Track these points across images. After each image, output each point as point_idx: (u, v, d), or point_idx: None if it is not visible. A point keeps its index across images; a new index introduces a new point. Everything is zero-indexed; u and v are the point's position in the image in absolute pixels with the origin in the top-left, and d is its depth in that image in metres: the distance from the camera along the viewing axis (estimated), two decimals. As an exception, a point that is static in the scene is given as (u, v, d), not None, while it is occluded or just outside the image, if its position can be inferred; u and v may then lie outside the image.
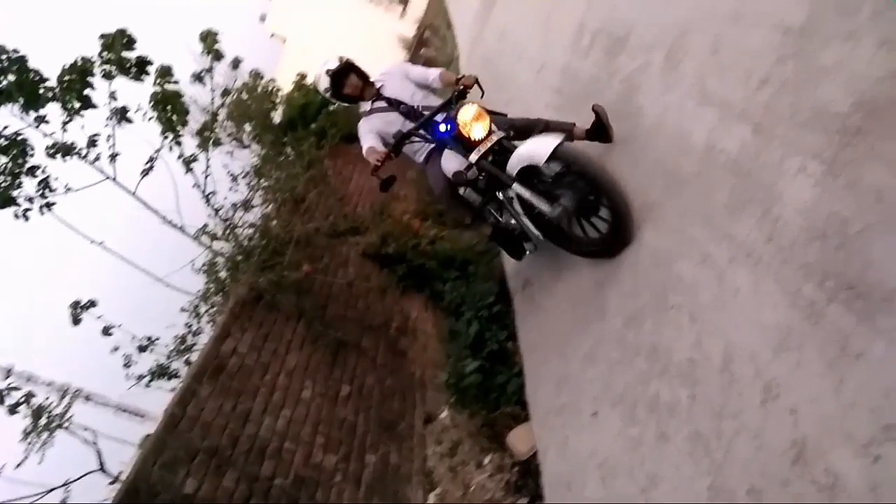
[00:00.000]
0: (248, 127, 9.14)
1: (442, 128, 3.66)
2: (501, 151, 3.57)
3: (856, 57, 2.15)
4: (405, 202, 8.82)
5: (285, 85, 11.50)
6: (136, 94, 5.27)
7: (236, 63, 7.62)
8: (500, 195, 3.85)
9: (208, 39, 5.78)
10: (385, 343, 5.73)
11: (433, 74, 4.24)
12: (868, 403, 1.71)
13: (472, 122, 3.52)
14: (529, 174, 3.52)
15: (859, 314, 1.80)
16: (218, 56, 5.87)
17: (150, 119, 5.28)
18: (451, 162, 3.85)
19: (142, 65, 5.09)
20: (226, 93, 6.83)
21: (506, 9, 8.88)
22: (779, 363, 2.05)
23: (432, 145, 4.01)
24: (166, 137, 5.34)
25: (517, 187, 3.50)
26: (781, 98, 2.48)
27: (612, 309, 3.27)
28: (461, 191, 4.10)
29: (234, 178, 6.81)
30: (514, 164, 3.46)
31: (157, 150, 5.32)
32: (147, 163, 5.25)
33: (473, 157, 3.52)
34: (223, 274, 5.98)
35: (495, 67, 8.09)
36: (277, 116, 10.04)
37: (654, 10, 3.83)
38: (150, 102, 5.23)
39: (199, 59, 5.94)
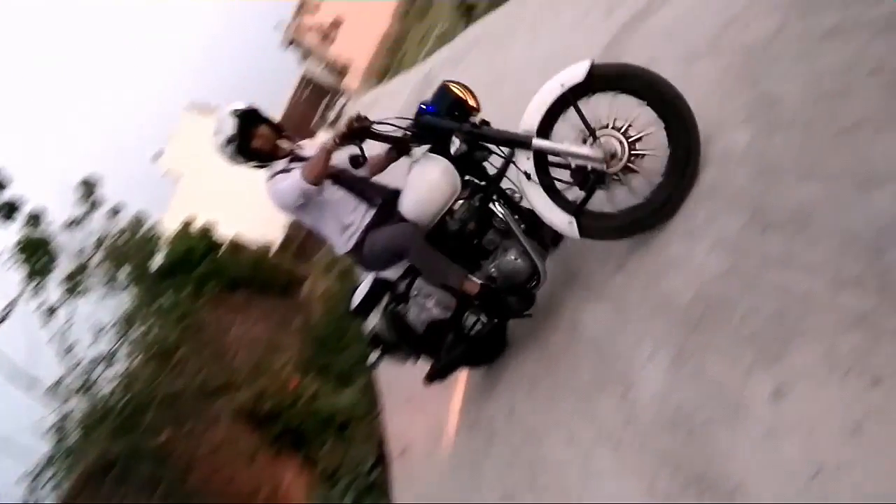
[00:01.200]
0: (122, 273, 8.78)
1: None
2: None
3: (695, 253, 2.35)
4: (287, 351, 8.55)
5: (173, 224, 11.33)
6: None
7: (116, 211, 7.44)
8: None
9: (86, 188, 5.64)
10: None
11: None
12: None
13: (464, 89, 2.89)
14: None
15: (709, 509, 1.82)
16: (95, 205, 5.72)
17: (11, 265, 4.96)
18: (431, 170, 2.91)
19: (11, 208, 4.85)
20: (100, 242, 6.59)
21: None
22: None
23: (372, 210, 3.11)
24: (29, 284, 5.00)
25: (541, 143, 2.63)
26: (634, 282, 2.65)
27: (488, 483, 3.19)
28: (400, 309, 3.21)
29: (100, 329, 6.40)
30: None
31: (16, 298, 4.94)
32: (4, 310, 4.86)
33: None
34: (74, 437, 5.42)
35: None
36: (157, 262, 9.77)
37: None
38: (15, 247, 4.95)
39: (77, 206, 5.77)
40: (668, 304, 2.36)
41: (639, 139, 2.55)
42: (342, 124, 2.89)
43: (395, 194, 3.11)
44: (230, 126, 3.09)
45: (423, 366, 3.41)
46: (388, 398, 5.65)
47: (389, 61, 24.55)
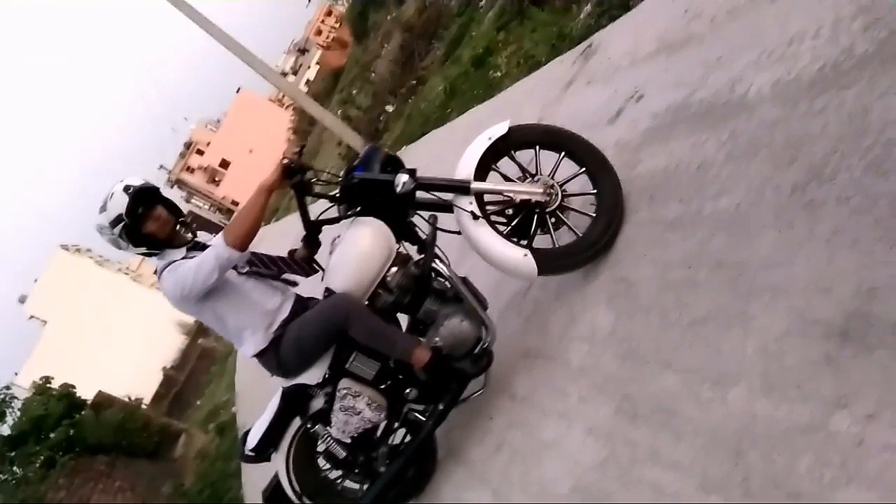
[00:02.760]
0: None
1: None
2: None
3: (570, 438, 2.31)
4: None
5: (34, 375, 10.31)
6: None
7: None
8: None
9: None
10: None
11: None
12: None
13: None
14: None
15: None
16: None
17: None
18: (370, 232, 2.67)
19: None
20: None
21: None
22: None
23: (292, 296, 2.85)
24: None
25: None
26: (514, 466, 2.57)
27: None
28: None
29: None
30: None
31: None
32: None
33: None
34: None
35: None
36: (6, 428, 8.72)
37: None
38: None
39: None
40: (547, 493, 2.27)
41: (566, 182, 2.74)
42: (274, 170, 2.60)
43: (305, 300, 2.86)
44: (120, 204, 2.59)
45: None
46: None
47: (278, 202, 24.67)
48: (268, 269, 2.79)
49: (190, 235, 2.84)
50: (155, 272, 2.78)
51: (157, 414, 13.57)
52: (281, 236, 22.17)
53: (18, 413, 8.95)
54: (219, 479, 8.17)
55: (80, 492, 8.11)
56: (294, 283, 2.88)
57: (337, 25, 44.68)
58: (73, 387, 10.24)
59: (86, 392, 11.54)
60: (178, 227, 2.78)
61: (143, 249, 2.71)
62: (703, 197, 2.28)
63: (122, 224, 2.61)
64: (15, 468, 8.26)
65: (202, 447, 11.03)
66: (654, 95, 3.02)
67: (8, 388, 8.93)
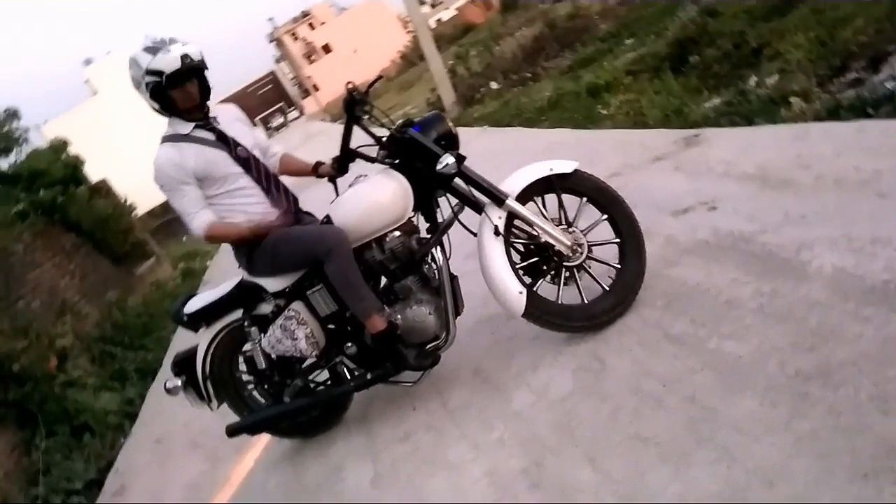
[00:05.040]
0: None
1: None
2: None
3: (469, 470, 2.29)
4: (82, 321, 7.79)
5: (56, 132, 10.46)
6: None
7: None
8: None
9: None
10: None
11: (275, 148, 3.04)
12: None
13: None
14: None
15: None
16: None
17: None
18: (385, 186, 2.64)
19: None
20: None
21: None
22: None
23: (276, 210, 2.79)
24: None
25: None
26: (408, 463, 2.55)
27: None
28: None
29: None
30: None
31: None
32: None
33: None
34: None
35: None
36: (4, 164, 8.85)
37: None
38: None
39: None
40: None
41: (595, 244, 2.69)
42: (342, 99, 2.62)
43: (302, 213, 2.86)
44: (168, 65, 2.52)
45: (219, 417, 3.07)
46: (147, 426, 5.16)
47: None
48: (261, 182, 2.77)
49: (203, 115, 2.75)
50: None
51: (142, 228, 13.72)
52: (321, 135, 22.29)
53: (23, 157, 9.08)
54: (159, 314, 8.25)
55: (36, 254, 8.18)
56: (279, 202, 2.81)
57: (493, -15, 44.21)
58: (83, 162, 10.37)
59: (92, 174, 11.71)
60: (199, 105, 2.72)
61: (157, 107, 2.67)
62: (714, 330, 2.23)
63: (156, 80, 2.56)
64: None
65: (163, 279, 11.18)
66: (726, 214, 2.95)
67: (27, 129, 9.02)
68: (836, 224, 2.42)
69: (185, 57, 2.54)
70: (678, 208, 3.22)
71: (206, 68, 2.69)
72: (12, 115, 8.63)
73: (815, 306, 2.07)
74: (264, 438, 3.34)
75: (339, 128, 2.93)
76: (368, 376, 2.79)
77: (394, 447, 2.71)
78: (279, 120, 61.04)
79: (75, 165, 9.70)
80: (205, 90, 2.71)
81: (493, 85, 11.06)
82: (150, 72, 2.54)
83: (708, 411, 1.91)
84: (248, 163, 2.74)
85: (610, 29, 10.29)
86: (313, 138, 23.11)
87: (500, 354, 2.88)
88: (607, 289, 2.66)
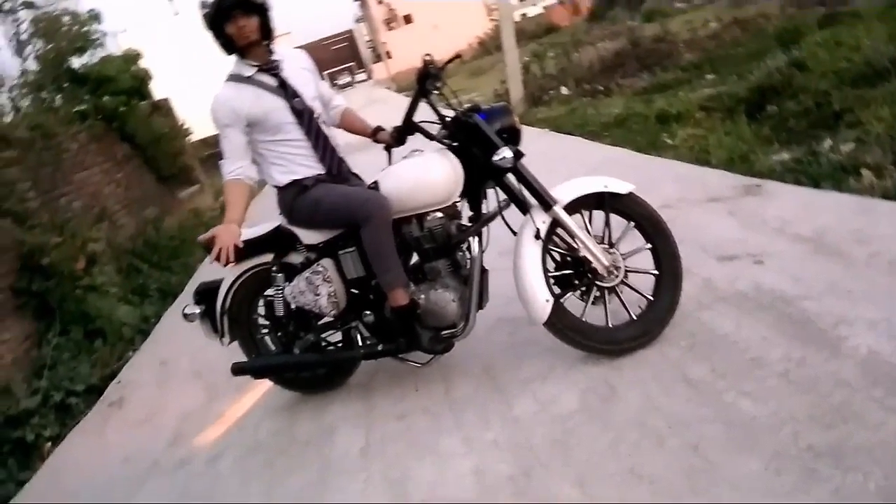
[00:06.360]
0: (37, 45, 8.03)
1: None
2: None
3: (457, 464, 2.29)
4: (117, 230, 7.95)
5: (133, 44, 10.61)
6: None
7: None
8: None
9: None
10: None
11: (338, 101, 3.04)
12: None
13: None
14: None
15: None
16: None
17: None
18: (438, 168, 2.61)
19: None
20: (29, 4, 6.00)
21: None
22: None
23: (322, 168, 2.76)
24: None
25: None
26: (399, 443, 2.57)
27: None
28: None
29: None
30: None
31: None
32: None
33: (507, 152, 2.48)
34: None
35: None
36: (77, 62, 9.00)
37: None
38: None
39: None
40: (401, 487, 2.27)
41: (632, 271, 2.65)
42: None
43: (350, 173, 2.85)
44: None
45: (227, 353, 3.08)
46: (156, 345, 5.27)
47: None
48: (310, 137, 2.73)
49: (267, 54, 2.72)
50: None
51: (193, 154, 13.88)
52: (383, 102, 22.32)
53: (96, 61, 9.23)
54: (191, 240, 8.36)
55: (87, 157, 8.32)
56: (331, 167, 2.77)
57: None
58: (151, 78, 10.52)
59: (156, 91, 11.88)
60: (260, 44, 2.69)
61: (219, 44, 2.68)
62: (734, 384, 2.19)
63: (207, 10, 2.58)
64: (52, 94, 8.46)
65: (202, 207, 11.33)
66: (771, 271, 2.88)
67: (105, 34, 9.17)
68: (882, 306, 2.35)
69: None
70: (724, 254, 3.15)
71: (264, 6, 2.65)
72: (94, 17, 8.78)
73: (841, 385, 2.01)
74: (265, 384, 3.37)
75: (401, 98, 2.93)
76: (379, 347, 2.81)
77: (388, 423, 2.72)
78: (346, 79, 61.51)
79: (143, 79, 9.84)
80: (265, 30, 2.68)
81: (564, 90, 10.94)
82: (202, 3, 2.58)
83: (709, 463, 1.88)
84: (303, 115, 2.72)
85: (693, 59, 10.08)
86: (375, 103, 23.15)
87: (512, 357, 2.87)
88: (635, 318, 2.62)
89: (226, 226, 2.58)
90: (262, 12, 2.65)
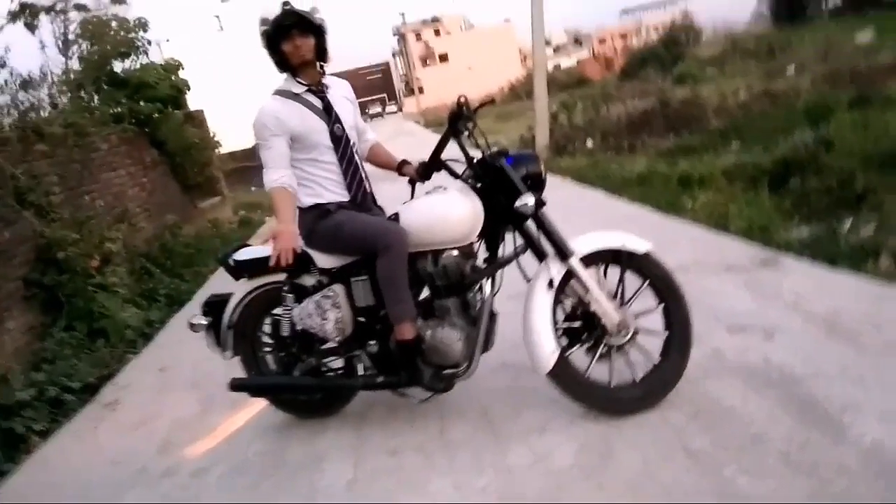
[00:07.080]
0: (82, 46, 8.25)
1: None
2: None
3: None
4: (134, 234, 8.03)
5: (176, 55, 10.85)
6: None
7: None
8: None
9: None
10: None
11: (370, 135, 3.13)
12: None
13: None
14: None
15: None
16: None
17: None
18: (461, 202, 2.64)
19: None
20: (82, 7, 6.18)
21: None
22: None
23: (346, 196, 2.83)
24: None
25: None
26: (389, 478, 2.53)
27: None
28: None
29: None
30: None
31: None
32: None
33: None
34: None
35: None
36: (118, 66, 9.21)
37: None
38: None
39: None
40: (388, 521, 2.23)
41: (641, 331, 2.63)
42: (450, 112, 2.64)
43: (374, 204, 2.91)
44: (273, 12, 2.68)
45: (227, 367, 3.10)
46: (158, 351, 5.27)
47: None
48: (343, 163, 2.79)
49: (318, 77, 2.81)
50: None
51: (219, 166, 14.06)
52: (411, 135, 22.60)
53: (137, 66, 9.44)
54: (205, 251, 8.43)
55: (116, 158, 8.44)
56: (356, 195, 2.83)
57: (619, 49, 44.41)
58: (189, 88, 10.73)
59: (192, 101, 12.10)
60: (313, 65, 2.77)
61: (273, 60, 2.77)
62: (734, 459, 2.15)
63: (265, 28, 2.69)
64: (90, 94, 8.61)
65: (221, 220, 11.43)
66: (782, 346, 2.85)
67: (149, 42, 9.39)
68: (892, 397, 2.31)
69: (285, 4, 2.66)
70: (735, 324, 3.13)
71: (321, 29, 2.74)
72: (142, 24, 9.02)
73: (843, 472, 1.97)
74: (261, 403, 3.35)
75: (428, 133, 2.98)
76: (380, 379, 2.80)
77: (380, 457, 2.69)
78: (377, 108, 62.50)
79: (180, 89, 10.05)
80: (320, 52, 2.76)
81: (589, 143, 11.02)
82: (263, 21, 2.68)
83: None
84: (340, 141, 2.78)
85: (721, 126, 10.13)
86: (403, 135, 23.50)
87: (512, 404, 2.84)
88: (637, 380, 2.59)
89: (286, 230, 2.63)
90: (319, 34, 2.74)
